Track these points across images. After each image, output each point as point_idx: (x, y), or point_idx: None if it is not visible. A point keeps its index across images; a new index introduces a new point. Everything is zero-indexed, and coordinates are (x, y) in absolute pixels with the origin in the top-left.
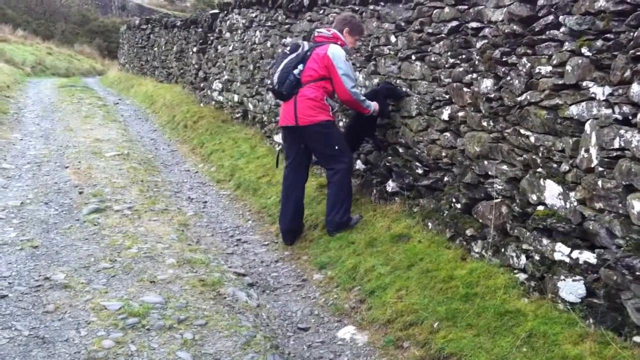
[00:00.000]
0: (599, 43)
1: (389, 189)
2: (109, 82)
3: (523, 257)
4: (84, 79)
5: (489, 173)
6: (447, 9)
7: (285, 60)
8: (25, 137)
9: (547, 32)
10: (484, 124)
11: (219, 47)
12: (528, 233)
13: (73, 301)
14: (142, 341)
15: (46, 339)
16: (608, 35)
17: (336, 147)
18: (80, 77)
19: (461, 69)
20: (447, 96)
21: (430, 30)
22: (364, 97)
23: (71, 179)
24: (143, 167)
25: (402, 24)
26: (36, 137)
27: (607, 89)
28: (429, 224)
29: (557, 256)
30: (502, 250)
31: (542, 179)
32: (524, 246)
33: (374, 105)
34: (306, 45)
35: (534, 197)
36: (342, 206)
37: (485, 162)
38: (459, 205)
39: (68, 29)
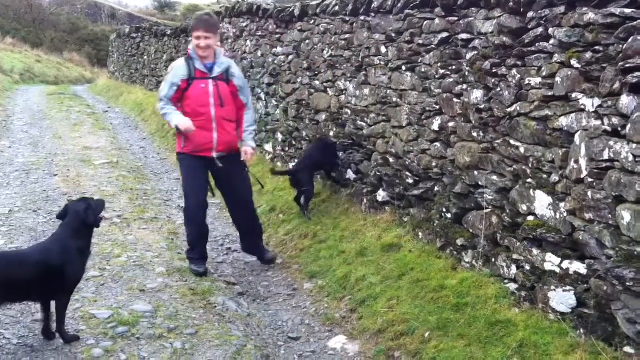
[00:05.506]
0: (588, 55)
1: (379, 198)
2: (98, 90)
3: (513, 267)
4: (73, 87)
5: (479, 183)
6: (437, 21)
7: None
8: (13, 145)
9: (537, 44)
10: (474, 134)
11: None
12: (518, 243)
13: None
14: (132, 350)
15: (35, 347)
16: (597, 47)
17: None
18: (70, 85)
19: (451, 80)
20: (438, 107)
21: (420, 42)
22: (165, 112)
23: (60, 187)
24: (132, 175)
25: (393, 34)
26: (25, 144)
27: (597, 101)
28: (420, 233)
29: (548, 266)
30: (493, 260)
31: (532, 190)
32: (515, 256)
33: (175, 121)
34: None
35: (524, 207)
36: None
37: (476, 173)
38: (449, 215)
39: (57, 37)
